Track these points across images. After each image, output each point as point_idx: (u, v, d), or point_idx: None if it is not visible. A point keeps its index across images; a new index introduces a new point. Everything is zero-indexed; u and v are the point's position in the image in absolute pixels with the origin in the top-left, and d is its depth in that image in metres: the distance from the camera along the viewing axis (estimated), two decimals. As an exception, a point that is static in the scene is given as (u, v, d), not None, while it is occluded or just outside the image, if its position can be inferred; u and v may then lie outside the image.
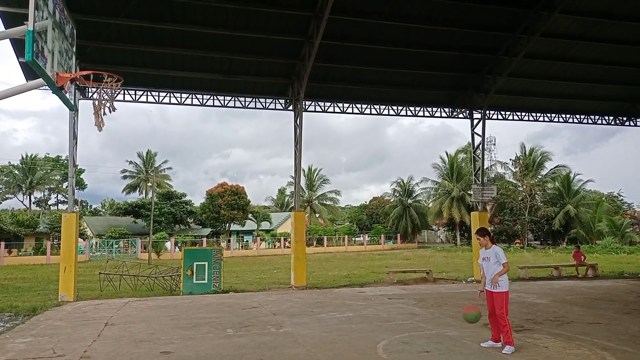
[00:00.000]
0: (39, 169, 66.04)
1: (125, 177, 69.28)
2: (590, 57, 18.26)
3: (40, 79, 5.94)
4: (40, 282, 23.39)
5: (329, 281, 19.05)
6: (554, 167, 54.30)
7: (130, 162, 68.92)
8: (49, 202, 75.53)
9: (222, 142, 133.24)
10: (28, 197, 67.11)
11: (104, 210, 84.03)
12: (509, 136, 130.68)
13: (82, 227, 56.41)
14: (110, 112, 6.60)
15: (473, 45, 17.16)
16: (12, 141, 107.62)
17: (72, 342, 8.21)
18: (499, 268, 7.11)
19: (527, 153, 53.86)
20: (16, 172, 65.85)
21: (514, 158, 53.93)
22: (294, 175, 16.83)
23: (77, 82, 6.88)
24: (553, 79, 19.21)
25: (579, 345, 7.25)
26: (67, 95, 6.87)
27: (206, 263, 15.90)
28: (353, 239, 61.91)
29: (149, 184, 56.11)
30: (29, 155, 66.66)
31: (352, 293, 14.33)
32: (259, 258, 43.88)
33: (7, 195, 67.16)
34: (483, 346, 7.25)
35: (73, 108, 7.01)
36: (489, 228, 54.18)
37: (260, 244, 53.49)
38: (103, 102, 6.46)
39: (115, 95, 7.07)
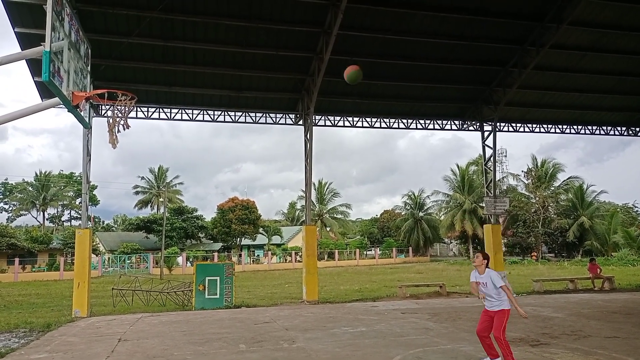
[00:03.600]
0: (52, 185, 66.81)
1: (137, 193, 69.91)
2: (601, 68, 18.21)
3: (56, 97, 6.06)
4: (54, 298, 23.56)
5: (341, 295, 18.94)
6: (567, 179, 53.82)
7: (142, 178, 69.59)
8: (62, 219, 76.36)
9: (233, 156, 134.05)
10: (42, 213, 67.83)
11: (116, 225, 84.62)
12: (521, 148, 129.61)
13: (94, 243, 56.84)
14: (124, 129, 6.71)
15: (482, 58, 17.22)
16: (26, 158, 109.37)
17: (87, 358, 8.25)
18: (500, 292, 6.94)
19: (539, 165, 53.48)
20: (30, 188, 66.73)
21: (525, 170, 53.53)
22: (304, 189, 16.88)
23: (92, 101, 6.98)
24: (564, 90, 19.15)
25: (596, 360, 7.13)
26: (82, 113, 6.99)
27: (218, 278, 15.91)
28: (364, 252, 61.58)
29: (161, 200, 56.46)
30: (43, 172, 67.56)
31: (365, 308, 14.23)
32: (270, 272, 43.79)
33: (21, 212, 67.98)
34: None
35: (87, 126, 7.13)
36: (503, 241, 53.64)
37: (272, 258, 53.40)
38: (117, 119, 6.57)
39: (129, 112, 7.18)
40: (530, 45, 16.26)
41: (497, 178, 59.63)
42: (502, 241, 60.22)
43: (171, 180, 70.41)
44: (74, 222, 72.75)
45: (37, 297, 24.34)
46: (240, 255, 53.45)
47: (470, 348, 8.20)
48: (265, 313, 13.49)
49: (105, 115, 6.82)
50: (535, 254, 49.83)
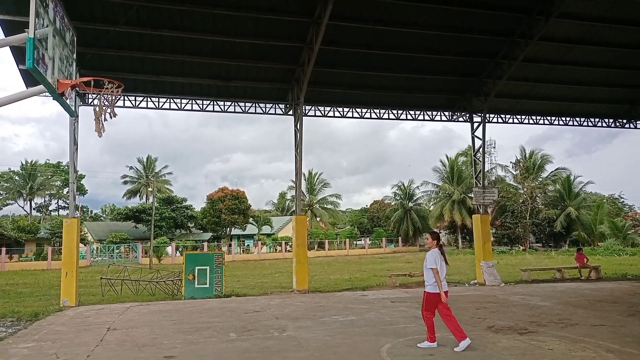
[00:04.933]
0: (39, 175, 66.08)
1: (125, 183, 69.25)
2: (589, 61, 18.33)
3: (41, 85, 5.97)
4: (41, 287, 23.38)
5: (331, 285, 19.04)
6: (555, 170, 54.46)
7: (131, 168, 68.95)
8: (50, 208, 75.62)
9: (223, 146, 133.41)
10: (29, 203, 67.19)
11: (104, 215, 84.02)
12: (510, 139, 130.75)
13: (83, 233, 56.41)
14: (110, 117, 6.63)
15: (471, 50, 17.26)
16: (12, 147, 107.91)
17: (75, 346, 8.21)
18: (429, 273, 7.51)
19: (527, 156, 53.94)
20: (16, 178, 65.93)
21: (514, 161, 53.98)
22: (295, 180, 16.85)
23: (78, 89, 6.88)
24: (552, 82, 19.26)
25: (584, 348, 7.25)
26: (68, 101, 6.90)
27: (208, 267, 15.89)
28: (354, 242, 61.86)
29: (150, 189, 56.07)
30: (29, 162, 66.74)
31: (355, 297, 14.33)
32: (260, 262, 43.84)
33: (7, 201, 67.21)
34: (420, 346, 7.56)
35: (74, 114, 7.04)
36: (491, 231, 54.02)
37: (262, 248, 53.45)
38: (103, 108, 6.49)
39: (115, 101, 7.09)
40: (519, 37, 16.30)
41: (486, 169, 59.93)
42: (491, 231, 61.10)
43: (160, 170, 69.89)
44: (61, 212, 72.12)
45: (24, 287, 24.15)
46: (230, 245, 53.41)
47: (458, 336, 8.29)
48: (255, 302, 13.53)
49: (92, 103, 6.70)
50: (523, 244, 50.42)
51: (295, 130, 16.86)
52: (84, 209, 79.35)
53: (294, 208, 61.48)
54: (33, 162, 66.29)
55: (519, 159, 53.69)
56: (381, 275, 22.11)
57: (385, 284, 17.51)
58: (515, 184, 54.12)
